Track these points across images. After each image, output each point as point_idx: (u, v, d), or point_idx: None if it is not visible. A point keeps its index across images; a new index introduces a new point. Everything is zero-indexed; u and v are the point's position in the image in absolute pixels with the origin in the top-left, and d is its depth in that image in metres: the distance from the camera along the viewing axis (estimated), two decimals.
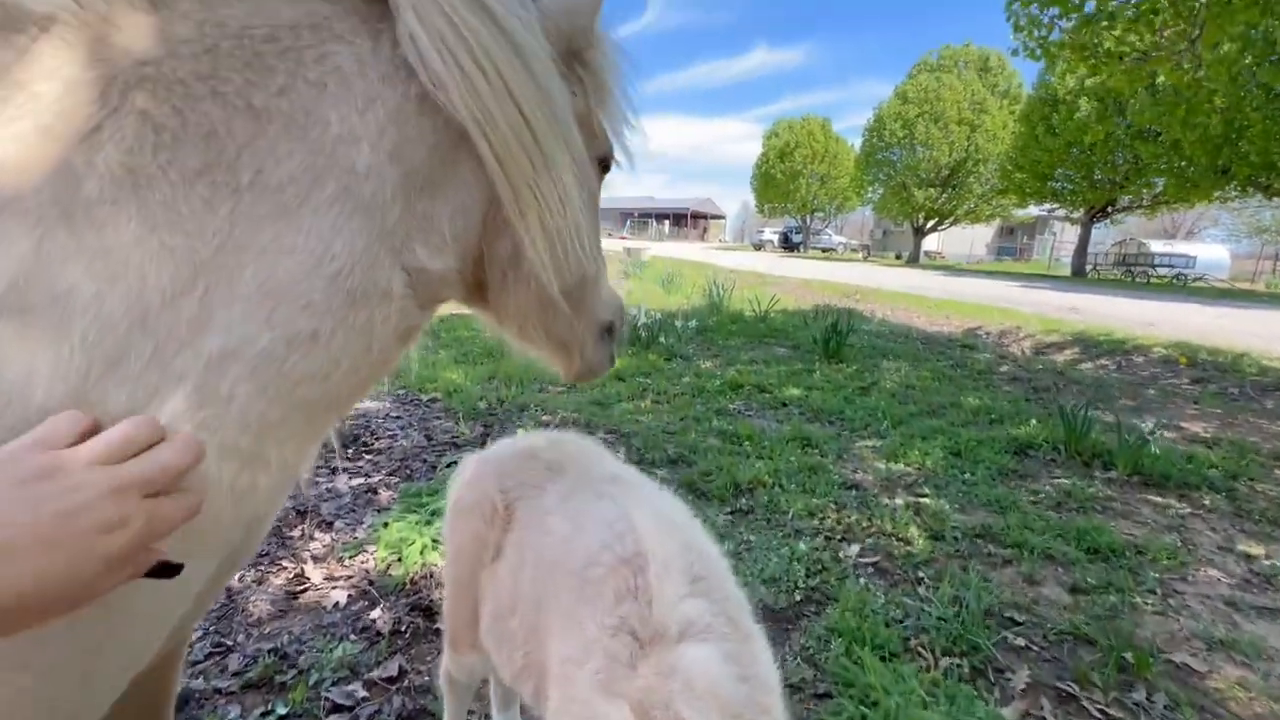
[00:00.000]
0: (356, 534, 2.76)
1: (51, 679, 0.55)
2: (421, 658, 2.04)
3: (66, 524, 0.44)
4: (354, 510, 2.98)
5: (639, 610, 0.83)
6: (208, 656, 2.00)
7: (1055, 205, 28.97)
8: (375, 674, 1.93)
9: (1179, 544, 2.94)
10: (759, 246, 53.56)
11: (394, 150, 0.63)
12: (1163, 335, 8.27)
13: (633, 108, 0.90)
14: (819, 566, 2.59)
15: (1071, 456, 3.98)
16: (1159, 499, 3.45)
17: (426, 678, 1.93)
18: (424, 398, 4.73)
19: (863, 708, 1.78)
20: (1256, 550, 2.92)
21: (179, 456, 0.51)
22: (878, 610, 2.28)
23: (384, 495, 3.12)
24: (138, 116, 0.54)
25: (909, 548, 2.80)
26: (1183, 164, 19.74)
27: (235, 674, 1.91)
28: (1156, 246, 31.96)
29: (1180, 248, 32.69)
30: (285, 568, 2.48)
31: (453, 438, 3.91)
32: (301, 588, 2.37)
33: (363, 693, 1.86)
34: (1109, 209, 27.26)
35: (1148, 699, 1.93)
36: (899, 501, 3.25)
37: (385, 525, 2.69)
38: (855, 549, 2.75)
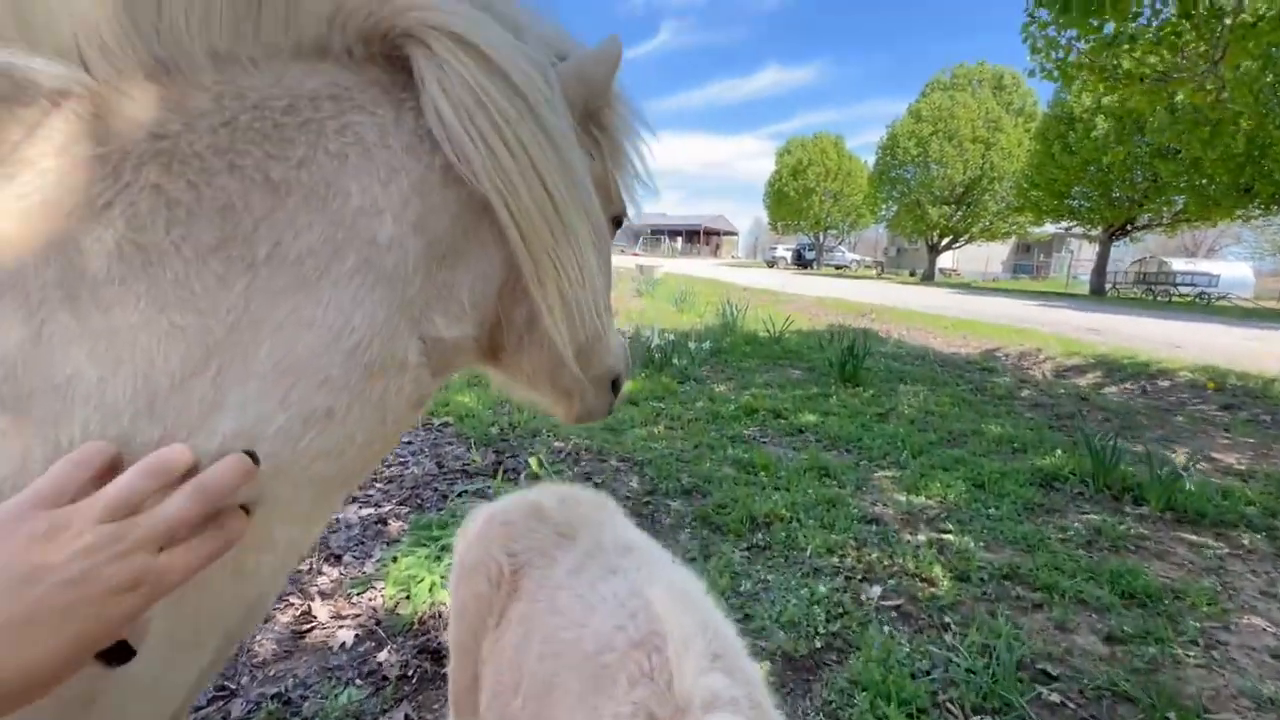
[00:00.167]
0: (365, 568, 2.71)
1: None
2: (428, 705, 1.97)
3: (75, 592, 0.41)
4: (363, 542, 2.94)
5: (656, 691, 0.78)
6: (210, 701, 1.94)
7: (1073, 223, 28.66)
8: None
9: (1219, 588, 2.80)
10: (772, 263, 53.53)
11: (417, 221, 0.62)
12: (1188, 358, 8.07)
13: (648, 168, 0.88)
14: (840, 610, 2.49)
15: (1100, 490, 3.84)
16: (1194, 538, 3.31)
17: None
18: (435, 422, 4.70)
19: None
20: None
21: (193, 505, 0.47)
22: (903, 660, 2.18)
23: (394, 526, 3.07)
24: (151, 192, 0.52)
25: (933, 589, 2.70)
26: (1203, 182, 19.49)
27: None
28: (1178, 264, 31.43)
29: (1202, 266, 32.11)
30: (292, 604, 2.43)
31: (464, 465, 3.87)
32: (308, 626, 2.32)
33: None
34: (1128, 227, 26.91)
35: None
36: (921, 538, 3.15)
37: (394, 560, 2.64)
38: (877, 590, 2.65)
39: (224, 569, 0.55)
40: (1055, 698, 2.06)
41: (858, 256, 58.26)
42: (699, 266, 37.85)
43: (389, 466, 3.81)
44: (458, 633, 1.14)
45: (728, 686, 0.80)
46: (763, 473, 3.89)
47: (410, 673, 2.10)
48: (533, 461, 3.63)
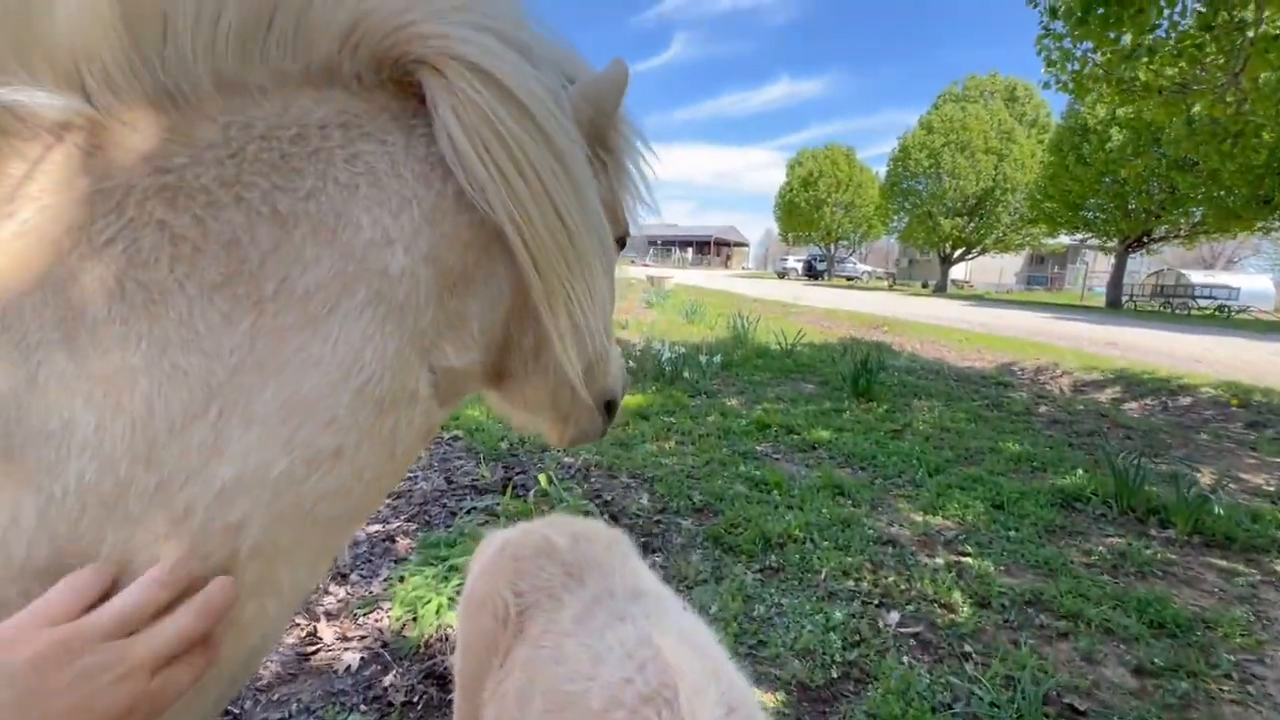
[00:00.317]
0: (372, 587, 2.67)
1: None
2: None
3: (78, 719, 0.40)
4: (370, 560, 2.90)
5: None
6: None
7: (1087, 234, 28.36)
8: None
9: (1252, 618, 2.70)
10: (782, 274, 53.40)
11: (429, 251, 0.61)
12: (1210, 373, 7.91)
13: (651, 188, 0.88)
14: (856, 637, 2.42)
15: (1124, 512, 3.74)
16: (1224, 563, 3.20)
17: None
18: (445, 436, 4.68)
19: None
20: None
21: (198, 621, 0.46)
22: (923, 692, 2.10)
23: (402, 544, 3.04)
24: (155, 228, 0.50)
25: (953, 615, 2.62)
26: (1222, 193, 19.21)
27: None
28: (1196, 277, 30.97)
29: (1221, 278, 31.61)
30: (298, 624, 2.40)
31: (473, 480, 3.84)
32: (313, 648, 2.28)
33: None
34: (1145, 239, 26.58)
35: None
36: (939, 561, 3.07)
37: (401, 579, 2.60)
38: (895, 617, 2.58)
39: (225, 620, 0.52)
40: None
41: (869, 268, 58.00)
42: (709, 278, 37.84)
43: (398, 482, 3.79)
44: (462, 669, 1.10)
45: None
46: (775, 491, 3.82)
47: (416, 698, 2.05)
48: (542, 478, 3.59)
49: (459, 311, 0.66)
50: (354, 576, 2.75)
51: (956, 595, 2.74)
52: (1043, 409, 6.62)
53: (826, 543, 3.17)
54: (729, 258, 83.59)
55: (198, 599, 0.47)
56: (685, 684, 0.77)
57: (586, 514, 3.32)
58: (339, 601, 2.57)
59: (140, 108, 0.51)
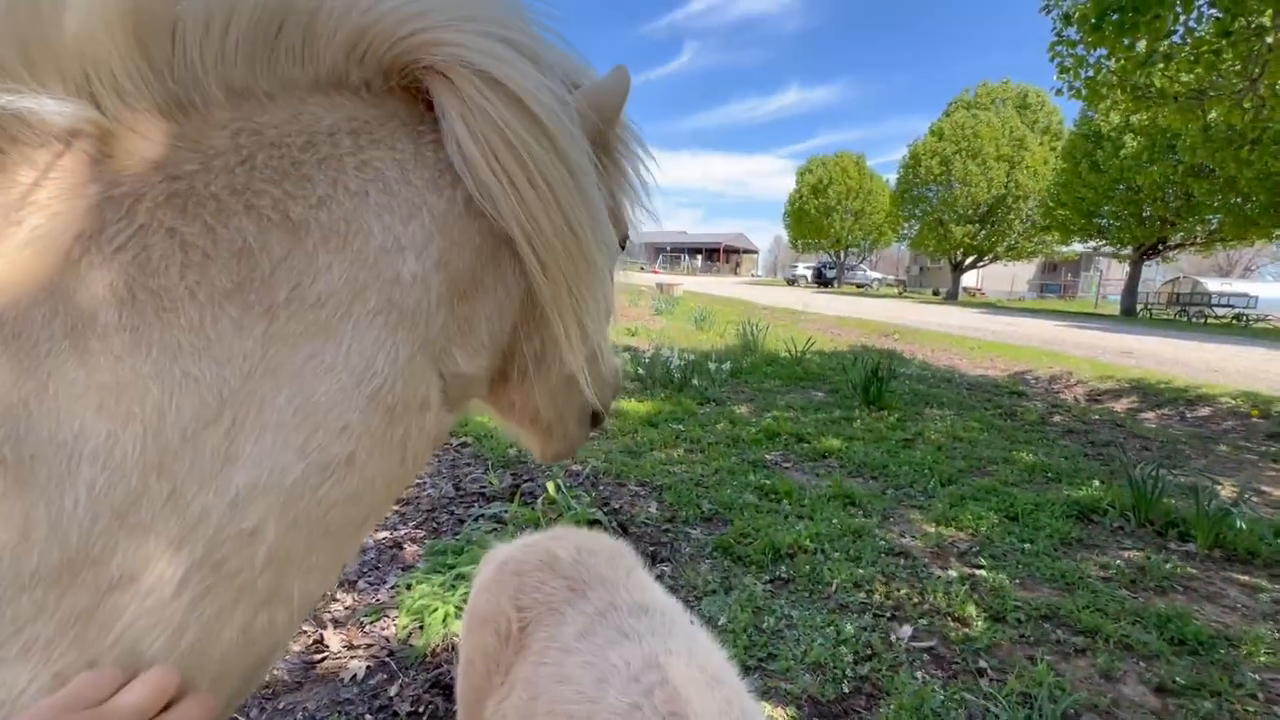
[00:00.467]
0: (379, 595, 2.66)
1: None
2: None
3: None
4: (378, 567, 2.90)
5: None
6: None
7: (1101, 242, 28.06)
8: None
9: (1277, 635, 2.62)
10: (792, 282, 53.28)
11: (440, 257, 0.61)
12: (1229, 383, 7.77)
13: (649, 194, 0.89)
14: (868, 651, 2.38)
15: (1142, 525, 3.66)
16: (1247, 579, 3.12)
17: None
18: (454, 442, 4.68)
19: None
20: None
21: (204, 713, 0.49)
22: (937, 709, 2.06)
23: (409, 551, 3.03)
24: (165, 235, 0.49)
25: (967, 630, 2.56)
26: (1239, 200, 18.95)
27: None
28: (1213, 285, 30.55)
29: (1238, 286, 31.15)
30: (305, 632, 2.39)
31: (482, 488, 3.83)
32: (320, 656, 2.27)
33: None
34: (1160, 246, 26.25)
35: None
36: (952, 573, 3.02)
37: (408, 587, 2.59)
38: (907, 630, 2.53)
39: (235, 629, 0.52)
40: None
41: (879, 275, 57.70)
42: (719, 285, 37.81)
43: (407, 489, 3.78)
44: (463, 687, 1.08)
45: None
46: (785, 500, 3.78)
47: (421, 709, 2.03)
48: (550, 486, 3.58)
49: (469, 317, 0.66)
50: (361, 584, 2.74)
51: (971, 609, 2.68)
52: (1057, 418, 6.52)
53: (837, 554, 3.12)
54: (738, 265, 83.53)
55: (198, 698, 0.50)
56: (696, 716, 0.74)
57: (594, 522, 3.29)
58: (346, 609, 2.56)
59: (150, 115, 0.51)
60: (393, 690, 2.11)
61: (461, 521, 3.33)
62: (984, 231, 33.64)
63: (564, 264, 0.67)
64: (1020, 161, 31.90)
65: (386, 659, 2.26)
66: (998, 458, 4.90)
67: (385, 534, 3.18)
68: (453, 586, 2.56)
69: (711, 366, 7.21)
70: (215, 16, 0.52)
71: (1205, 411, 6.84)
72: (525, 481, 3.91)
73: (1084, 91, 7.19)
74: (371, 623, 2.46)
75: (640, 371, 6.98)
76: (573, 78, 0.75)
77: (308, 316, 0.53)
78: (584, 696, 0.79)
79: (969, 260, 36.31)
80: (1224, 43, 5.25)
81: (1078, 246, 34.52)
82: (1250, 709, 2.16)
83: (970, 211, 33.05)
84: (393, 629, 2.42)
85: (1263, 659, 2.44)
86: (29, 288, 0.46)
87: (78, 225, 0.48)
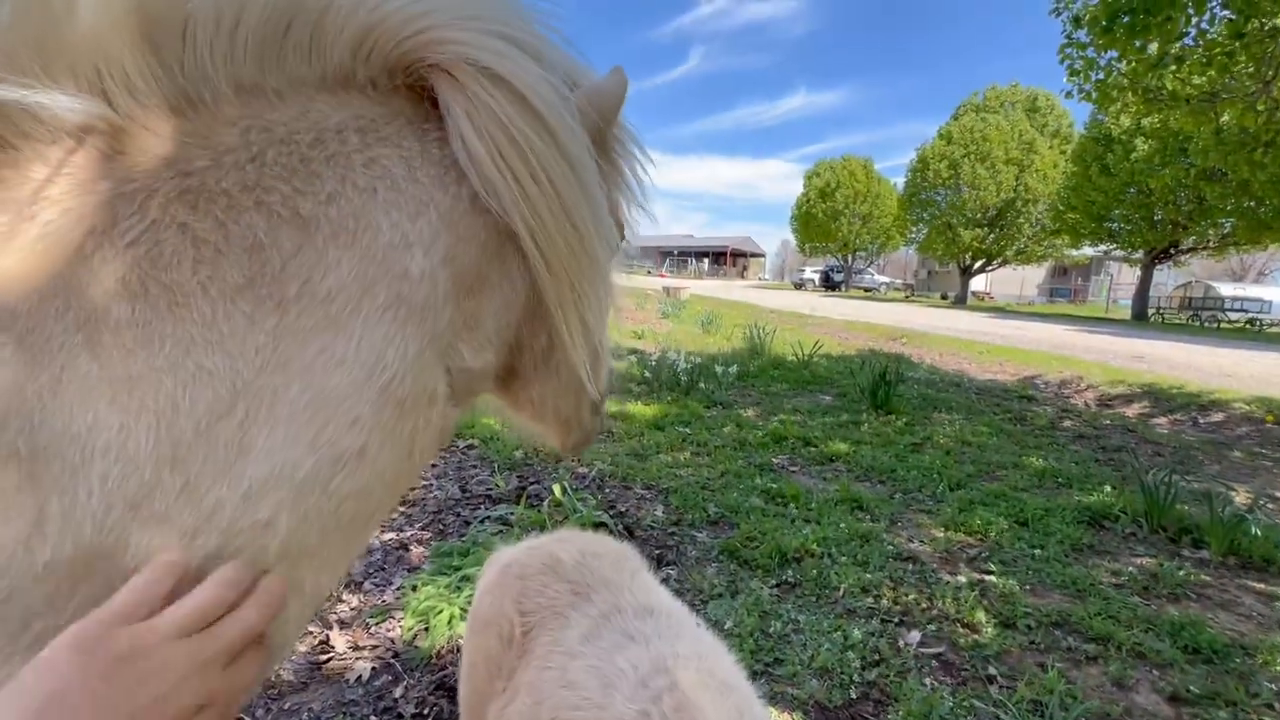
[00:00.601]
0: (385, 596, 2.66)
1: None
2: None
3: (156, 717, 0.41)
4: (383, 568, 2.90)
5: None
6: None
7: (1112, 246, 27.82)
8: None
9: None
10: (799, 285, 53.10)
11: (447, 253, 0.62)
12: (1243, 389, 7.68)
13: (645, 193, 0.89)
14: (876, 656, 2.35)
15: (1154, 531, 3.62)
16: (1261, 586, 3.07)
17: None
18: (460, 444, 4.68)
19: None
20: None
21: (261, 616, 0.48)
22: (946, 716, 2.03)
23: (415, 552, 3.03)
24: (177, 231, 0.50)
25: (976, 636, 2.54)
26: (1252, 204, 18.75)
27: None
28: (1226, 289, 30.20)
29: (1252, 290, 30.78)
30: (311, 632, 2.39)
31: (488, 490, 3.83)
32: (325, 657, 2.28)
33: None
34: (1171, 250, 26.00)
35: None
36: (961, 579, 2.99)
37: (414, 589, 2.59)
38: (916, 636, 2.50)
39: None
40: None
41: (887, 279, 57.48)
42: (726, 288, 37.77)
43: (413, 490, 3.79)
44: (466, 691, 1.07)
45: None
46: (792, 504, 3.76)
47: (426, 710, 2.03)
48: (556, 489, 3.57)
49: (475, 313, 0.66)
50: (367, 585, 2.74)
51: (980, 615, 2.66)
52: (1067, 423, 6.46)
53: (845, 558, 3.10)
54: (745, 269, 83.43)
55: (259, 594, 0.48)
56: None
57: (600, 525, 3.29)
58: (352, 610, 2.56)
59: (160, 112, 0.52)
60: (398, 692, 2.11)
61: (467, 523, 3.33)
62: (993, 235, 33.43)
63: (567, 259, 0.68)
64: (1030, 165, 31.68)
65: (392, 660, 2.26)
66: (1007, 462, 4.85)
67: (391, 535, 3.19)
68: (458, 588, 2.56)
69: (718, 370, 7.20)
70: (225, 14, 0.53)
71: (1219, 417, 6.76)
72: (531, 484, 3.91)
73: (1094, 94, 7.14)
74: (377, 624, 2.46)
75: (647, 375, 6.98)
76: (573, 77, 0.76)
77: (318, 311, 0.54)
78: (590, 702, 0.78)
79: (977, 264, 36.07)
80: (1237, 44, 5.20)
81: (1088, 250, 34.23)
82: (1266, 719, 2.12)
83: (979, 215, 32.85)
84: (398, 630, 2.42)
85: (1279, 668, 2.40)
86: (42, 282, 0.46)
87: (90, 221, 0.48)
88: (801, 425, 5.62)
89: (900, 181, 38.61)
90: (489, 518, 3.33)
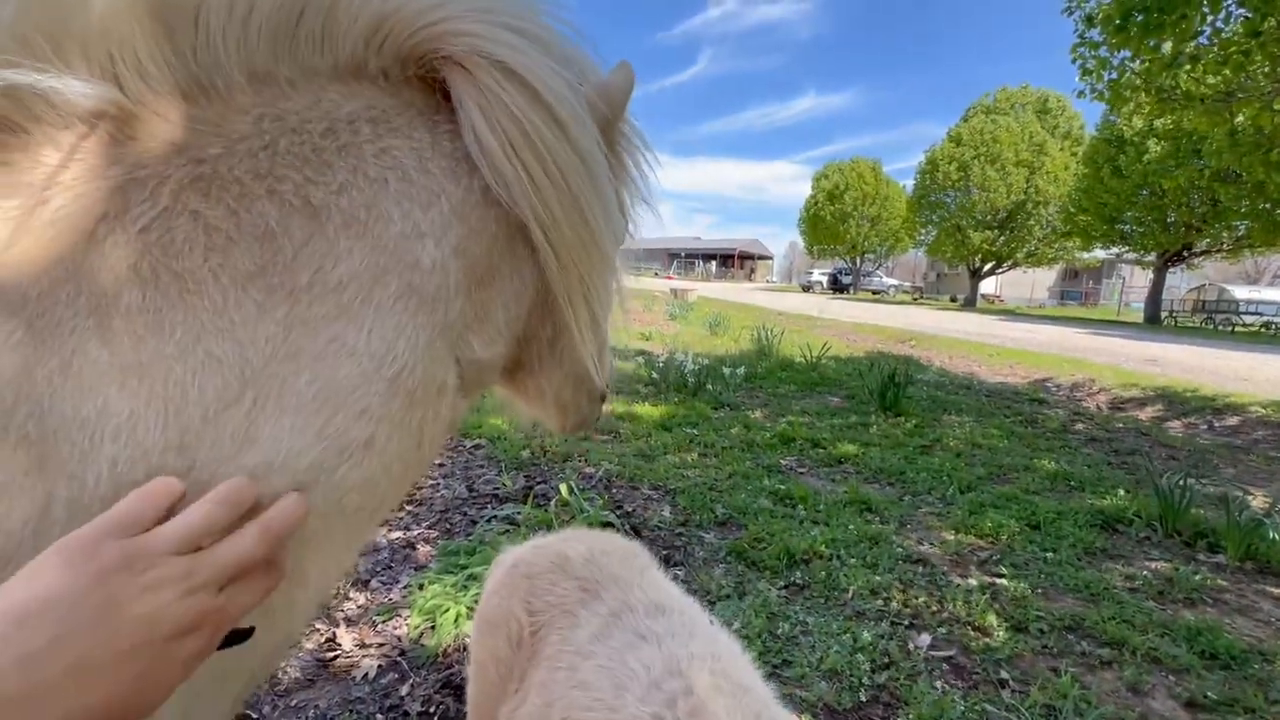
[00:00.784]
0: (391, 594, 2.66)
1: None
2: None
3: (144, 632, 0.40)
4: (390, 566, 2.90)
5: None
6: None
7: (1124, 248, 27.51)
8: None
9: None
10: (807, 288, 52.94)
11: (458, 244, 0.62)
12: (1259, 392, 7.57)
13: (650, 189, 0.90)
14: (886, 659, 2.33)
15: (1169, 535, 3.56)
16: (1279, 591, 3.02)
17: None
18: (468, 444, 4.69)
19: None
20: None
21: (262, 541, 0.46)
22: None
23: (422, 551, 3.03)
24: (189, 218, 0.50)
25: (987, 640, 2.50)
26: (1267, 206, 18.50)
27: None
28: (1240, 292, 29.77)
29: (1267, 293, 30.33)
30: (317, 630, 2.39)
31: (495, 489, 3.82)
32: (332, 654, 2.27)
33: None
34: (1184, 253, 25.68)
35: None
36: (972, 581, 2.95)
37: (421, 587, 2.58)
38: (926, 639, 2.47)
39: (256, 609, 0.52)
40: None
41: (895, 281, 57.20)
42: (734, 290, 37.71)
43: (420, 489, 3.79)
44: (474, 692, 1.06)
45: None
46: (801, 505, 3.73)
47: (432, 709, 2.02)
48: (563, 488, 3.56)
49: (485, 304, 0.67)
50: (374, 583, 2.74)
51: (991, 618, 2.62)
52: (1080, 426, 6.39)
53: (854, 560, 3.07)
54: (753, 271, 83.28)
55: (260, 521, 0.47)
56: None
57: (607, 525, 3.27)
58: (359, 608, 2.56)
59: (173, 98, 0.51)
60: (404, 690, 2.10)
61: (474, 522, 3.33)
62: (1003, 237, 33.15)
63: (576, 252, 0.68)
64: (1040, 167, 31.42)
65: (398, 658, 2.25)
66: (1018, 465, 4.80)
67: (398, 534, 3.19)
68: (465, 587, 2.55)
69: (726, 371, 7.17)
70: (239, 1, 0.53)
71: (1234, 421, 6.67)
72: (538, 484, 3.90)
73: (1107, 94, 7.08)
74: (384, 622, 2.46)
75: (654, 376, 6.96)
76: (583, 72, 0.76)
77: (329, 300, 0.53)
78: (602, 704, 0.76)
79: (987, 267, 35.81)
80: (1253, 43, 5.13)
81: (1099, 253, 33.88)
82: None
83: (989, 217, 32.59)
84: (405, 629, 2.42)
85: None
86: (54, 267, 0.46)
87: (102, 206, 0.48)
88: (810, 427, 5.59)
89: (909, 183, 38.43)
90: (496, 517, 3.33)
